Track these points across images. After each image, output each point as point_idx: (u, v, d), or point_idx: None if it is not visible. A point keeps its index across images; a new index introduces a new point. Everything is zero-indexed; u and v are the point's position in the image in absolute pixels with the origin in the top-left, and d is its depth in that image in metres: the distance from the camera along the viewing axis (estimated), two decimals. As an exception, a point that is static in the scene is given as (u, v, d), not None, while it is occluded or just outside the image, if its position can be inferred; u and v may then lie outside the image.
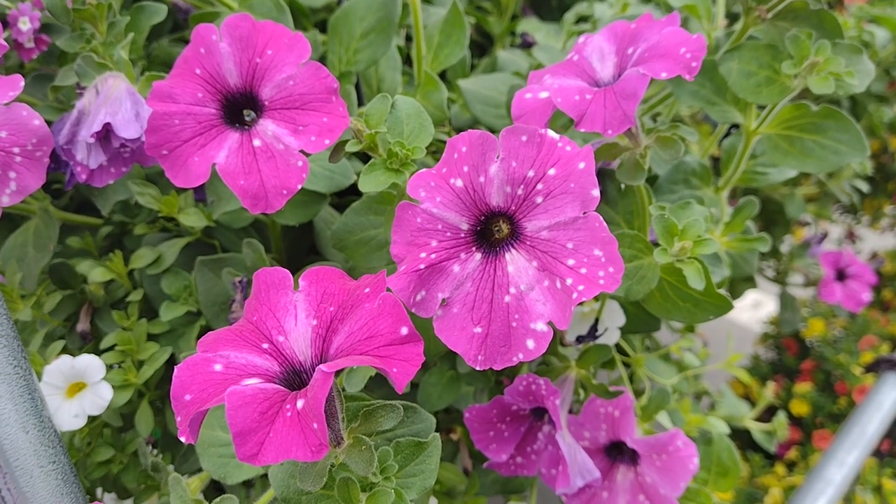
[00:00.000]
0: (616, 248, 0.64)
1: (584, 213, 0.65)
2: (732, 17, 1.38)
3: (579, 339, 1.03)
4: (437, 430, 1.19)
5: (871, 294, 2.12)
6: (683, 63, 0.75)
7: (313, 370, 0.62)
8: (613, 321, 1.04)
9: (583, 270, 0.64)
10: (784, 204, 1.89)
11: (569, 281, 0.64)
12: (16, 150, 0.82)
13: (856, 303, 2.07)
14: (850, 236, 3.02)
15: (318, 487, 0.63)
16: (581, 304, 1.03)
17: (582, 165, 0.64)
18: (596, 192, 0.64)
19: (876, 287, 2.58)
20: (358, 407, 0.72)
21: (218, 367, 0.60)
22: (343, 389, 0.80)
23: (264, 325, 0.63)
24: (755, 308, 3.75)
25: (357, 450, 0.64)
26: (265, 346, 0.62)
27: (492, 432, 0.97)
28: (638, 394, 1.21)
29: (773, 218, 1.95)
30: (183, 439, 0.57)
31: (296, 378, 0.62)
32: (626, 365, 1.24)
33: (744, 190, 1.52)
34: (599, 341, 1.03)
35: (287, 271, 0.66)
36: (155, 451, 1.15)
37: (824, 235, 2.12)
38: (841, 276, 2.10)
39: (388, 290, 0.67)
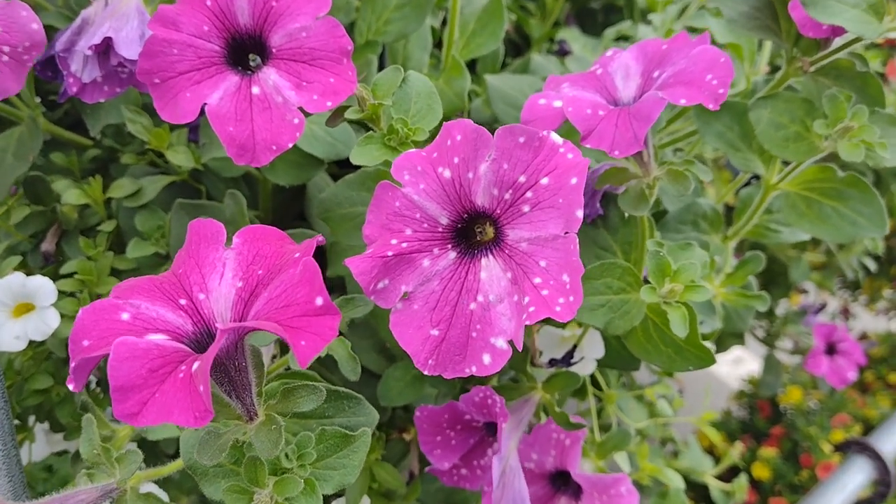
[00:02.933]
0: (580, 277, 0.59)
1: (566, 232, 0.60)
2: (775, 68, 1.34)
3: (552, 362, 0.98)
4: (391, 428, 1.17)
5: (856, 374, 2.08)
6: (709, 90, 0.71)
7: (229, 334, 0.58)
8: (592, 352, 1.00)
9: (544, 292, 0.59)
10: (789, 266, 1.85)
11: (526, 299, 0.59)
12: (6, 48, 0.78)
13: (840, 380, 2.03)
14: (845, 312, 2.99)
15: (215, 462, 0.59)
16: (563, 326, 1.01)
17: (574, 181, 0.60)
18: (580, 214, 0.60)
19: (861, 367, 2.55)
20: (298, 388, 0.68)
21: (125, 316, 0.55)
22: (288, 368, 0.76)
23: (187, 279, 0.59)
24: (736, 363, 3.71)
25: (266, 428, 0.59)
26: (182, 301, 0.58)
27: (439, 437, 0.93)
28: (604, 429, 1.17)
29: (774, 278, 1.90)
30: (70, 387, 0.52)
31: (209, 341, 0.58)
32: (598, 399, 1.20)
33: (752, 244, 1.48)
34: (574, 369, 0.99)
35: (221, 225, 0.61)
36: (99, 390, 1.11)
37: (822, 306, 2.09)
38: (831, 350, 2.05)
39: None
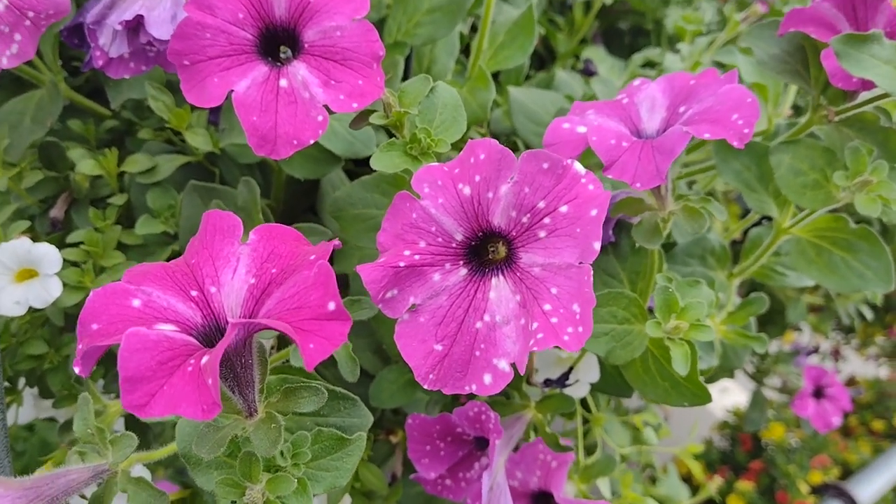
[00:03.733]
0: (592, 308, 0.59)
1: (580, 262, 0.60)
2: (798, 109, 1.34)
3: (547, 383, 0.98)
4: (379, 429, 1.16)
5: (841, 420, 2.08)
6: (734, 130, 0.71)
7: (238, 329, 0.58)
8: (587, 375, 1.00)
9: (553, 320, 0.59)
10: (787, 306, 1.85)
11: (534, 325, 0.59)
12: (30, 13, 0.79)
13: (824, 424, 2.03)
14: (836, 354, 3.00)
15: (213, 455, 0.59)
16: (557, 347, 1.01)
17: (594, 213, 0.60)
18: (597, 246, 0.60)
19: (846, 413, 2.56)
20: (296, 384, 0.67)
21: (136, 303, 0.55)
22: (287, 362, 0.75)
23: (200, 271, 0.59)
24: (722, 393, 3.71)
25: (266, 426, 0.59)
26: (194, 293, 0.58)
27: (429, 447, 0.93)
28: (589, 450, 1.17)
29: (771, 316, 1.90)
30: (76, 370, 0.52)
31: (217, 335, 0.58)
32: (585, 420, 1.20)
33: (752, 281, 1.48)
34: (568, 391, 0.99)
35: (238, 219, 0.62)
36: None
37: (815, 349, 2.09)
38: (818, 393, 2.06)
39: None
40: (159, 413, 0.48)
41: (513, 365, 0.61)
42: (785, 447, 3.14)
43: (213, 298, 0.57)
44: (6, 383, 1.07)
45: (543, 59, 1.68)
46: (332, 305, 0.51)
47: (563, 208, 0.61)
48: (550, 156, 0.61)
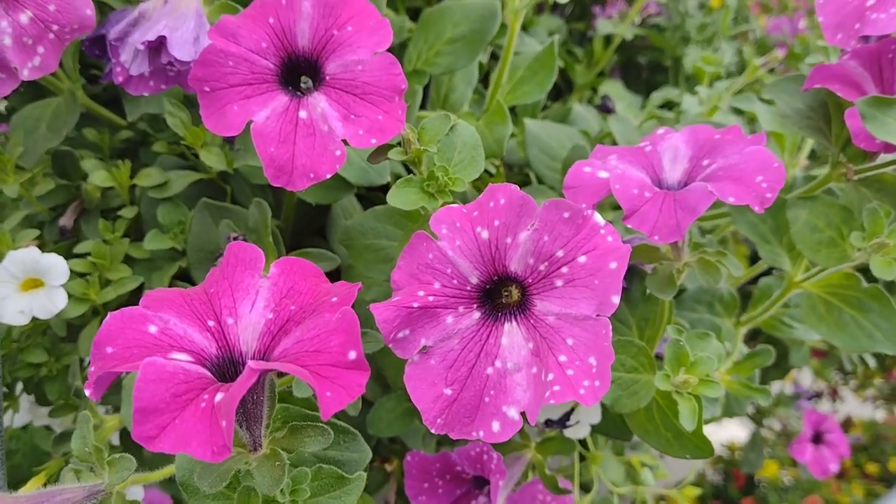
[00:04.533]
0: (610, 363, 0.58)
1: (597, 315, 0.60)
2: (814, 155, 1.34)
3: (548, 423, 0.97)
4: (374, 457, 1.15)
5: (838, 466, 2.07)
6: (757, 193, 0.71)
7: (251, 365, 0.57)
8: (588, 417, 0.99)
9: (569, 372, 0.58)
10: (790, 349, 1.84)
11: (549, 376, 0.59)
12: (54, 27, 0.79)
13: (822, 470, 2.01)
14: (833, 393, 2.98)
15: (215, 489, 0.58)
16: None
17: (613, 266, 0.59)
18: (616, 300, 0.59)
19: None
20: (297, 415, 0.67)
21: (152, 329, 0.55)
22: (290, 393, 0.75)
23: (218, 301, 0.58)
24: (718, 426, 3.69)
25: (270, 464, 0.59)
26: (211, 323, 0.57)
27: (427, 484, 0.92)
28: (585, 487, 1.16)
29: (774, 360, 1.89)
30: (87, 392, 0.52)
31: (231, 368, 0.57)
32: (581, 457, 1.19)
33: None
34: (568, 432, 0.98)
35: (261, 252, 0.61)
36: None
37: (817, 395, 2.07)
38: (817, 438, 2.04)
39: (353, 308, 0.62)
40: (169, 448, 0.47)
41: (522, 413, 0.60)
42: (778, 485, 3.12)
43: (230, 330, 0.57)
44: (4, 389, 1.06)
45: (560, 89, 1.68)
46: (352, 354, 0.51)
47: (582, 258, 0.60)
48: (572, 205, 0.61)
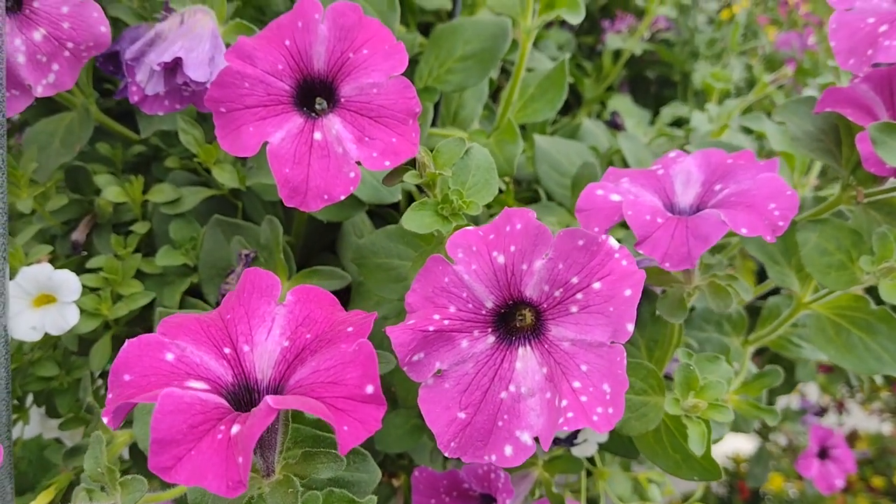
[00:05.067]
0: (625, 391, 0.59)
1: (612, 342, 0.60)
2: (824, 173, 1.34)
3: (555, 441, 0.97)
4: (381, 472, 1.16)
5: (844, 481, 2.06)
6: (769, 221, 0.71)
7: (267, 393, 0.58)
8: (595, 436, 0.99)
9: (583, 398, 0.59)
10: (796, 365, 1.84)
11: (563, 402, 0.59)
12: (69, 45, 0.80)
13: (827, 485, 2.01)
14: (840, 406, 2.97)
15: None
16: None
17: (628, 293, 0.60)
18: (630, 328, 0.60)
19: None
20: (308, 436, 0.67)
21: (169, 357, 0.55)
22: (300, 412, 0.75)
23: (234, 328, 0.59)
24: (723, 438, 3.67)
25: (283, 490, 0.59)
26: (227, 350, 0.58)
27: (434, 500, 0.92)
28: (592, 503, 1.16)
29: (781, 376, 1.89)
30: (105, 420, 0.52)
31: (246, 395, 0.58)
32: (588, 472, 1.19)
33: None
34: (575, 450, 0.98)
35: (277, 280, 0.62)
36: (101, 383, 1.11)
37: (824, 410, 2.07)
38: (823, 453, 2.04)
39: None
40: (184, 480, 0.47)
41: (536, 439, 0.61)
42: (783, 498, 3.11)
43: (246, 358, 0.57)
44: (14, 401, 1.07)
45: (569, 103, 1.68)
46: (370, 388, 0.51)
47: (597, 285, 0.61)
48: (586, 233, 0.61)
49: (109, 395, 0.54)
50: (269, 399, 0.49)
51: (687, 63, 1.66)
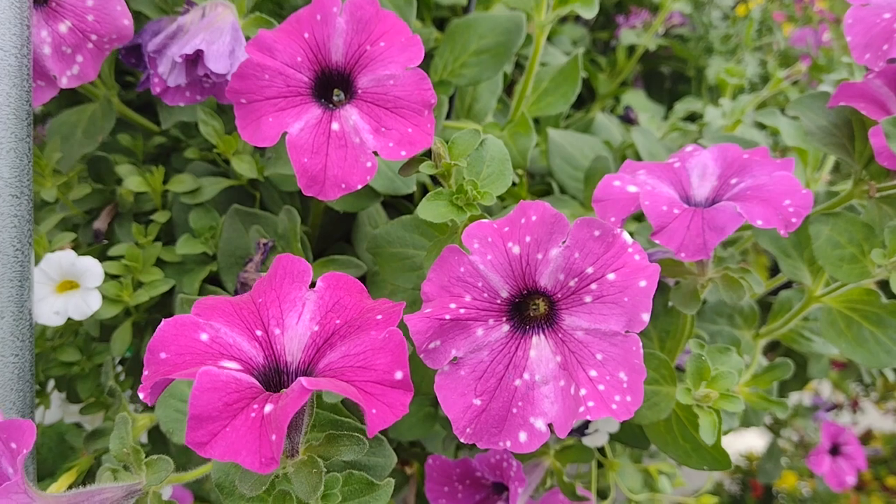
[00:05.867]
0: (642, 380, 0.60)
1: (627, 331, 0.61)
2: (837, 168, 1.34)
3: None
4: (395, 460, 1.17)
5: (855, 479, 2.06)
6: (783, 216, 0.72)
7: (296, 375, 0.59)
8: (607, 425, 1.00)
9: (601, 387, 0.60)
10: (809, 361, 1.84)
11: (582, 392, 0.60)
12: (93, 37, 0.82)
13: (838, 482, 2.01)
14: (854, 405, 2.96)
15: (254, 493, 0.60)
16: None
17: (643, 284, 0.61)
18: (646, 317, 0.61)
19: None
20: (326, 420, 0.69)
21: (204, 337, 0.57)
22: (319, 396, 0.77)
23: (266, 312, 0.60)
24: (736, 436, 3.67)
25: (307, 471, 0.60)
26: (259, 332, 0.59)
27: (447, 488, 0.93)
28: (602, 494, 1.17)
29: (793, 372, 1.89)
30: (141, 395, 0.54)
31: (276, 376, 0.59)
32: (600, 464, 1.20)
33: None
34: (586, 440, 0.99)
35: (309, 266, 0.63)
36: (120, 369, 1.13)
37: (835, 406, 2.07)
38: (835, 450, 2.04)
39: (402, 324, 0.64)
40: (219, 455, 0.49)
41: (550, 426, 0.62)
42: (796, 497, 3.10)
43: (277, 340, 0.59)
44: (36, 386, 1.09)
45: (583, 98, 1.69)
46: (399, 374, 0.53)
47: (611, 276, 0.62)
48: (602, 224, 0.62)
49: (146, 373, 0.56)
50: (303, 380, 0.50)
51: (701, 59, 1.66)
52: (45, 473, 1.31)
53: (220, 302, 0.60)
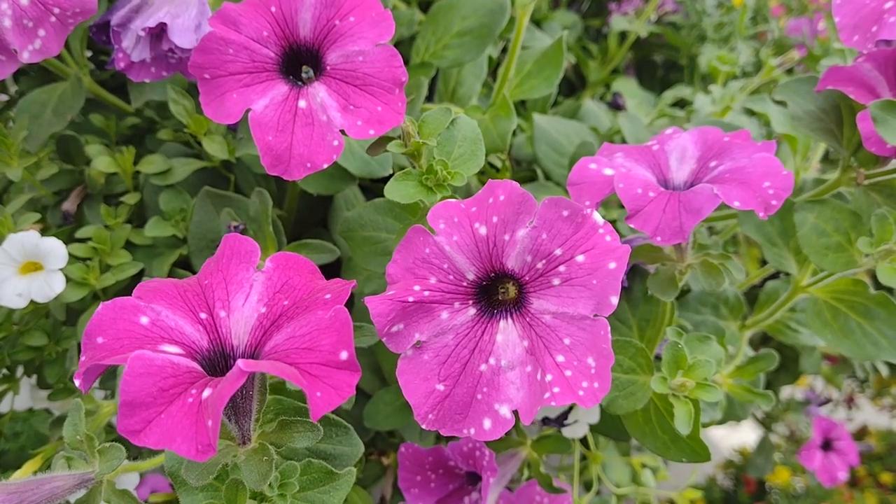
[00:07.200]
0: (610, 365, 0.57)
1: (595, 315, 0.59)
2: (827, 157, 1.31)
3: (545, 421, 0.96)
4: (372, 448, 1.15)
5: (847, 474, 2.04)
6: (763, 197, 0.69)
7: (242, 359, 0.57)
8: (587, 416, 0.98)
9: (567, 373, 0.58)
10: (801, 355, 1.81)
11: (548, 377, 0.58)
12: (56, 10, 0.78)
13: (830, 478, 1.99)
14: (850, 401, 2.94)
15: (202, 483, 0.58)
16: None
17: (612, 266, 0.58)
18: (614, 301, 0.58)
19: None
20: (291, 407, 0.66)
21: (144, 321, 0.54)
22: (284, 384, 0.74)
23: (212, 294, 0.58)
24: (729, 431, 3.65)
25: (257, 458, 0.58)
26: (203, 315, 0.57)
27: (419, 477, 0.91)
28: (586, 485, 1.15)
29: (785, 363, 1.85)
30: (76, 383, 0.51)
31: (221, 361, 0.57)
32: (583, 456, 1.18)
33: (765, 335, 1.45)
34: (566, 431, 0.97)
35: (256, 245, 0.61)
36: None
37: (827, 401, 2.04)
38: (827, 445, 2.02)
39: (349, 304, 0.62)
40: (153, 444, 0.47)
41: (515, 412, 0.60)
42: (789, 492, 3.08)
43: (222, 323, 0.57)
44: (4, 371, 1.07)
45: (574, 85, 1.67)
46: (344, 355, 0.50)
47: (580, 257, 0.59)
48: (571, 204, 0.60)
49: (82, 358, 0.53)
50: (240, 362, 0.48)
51: (694, 47, 1.64)
52: (23, 462, 1.29)
53: (164, 284, 0.58)
